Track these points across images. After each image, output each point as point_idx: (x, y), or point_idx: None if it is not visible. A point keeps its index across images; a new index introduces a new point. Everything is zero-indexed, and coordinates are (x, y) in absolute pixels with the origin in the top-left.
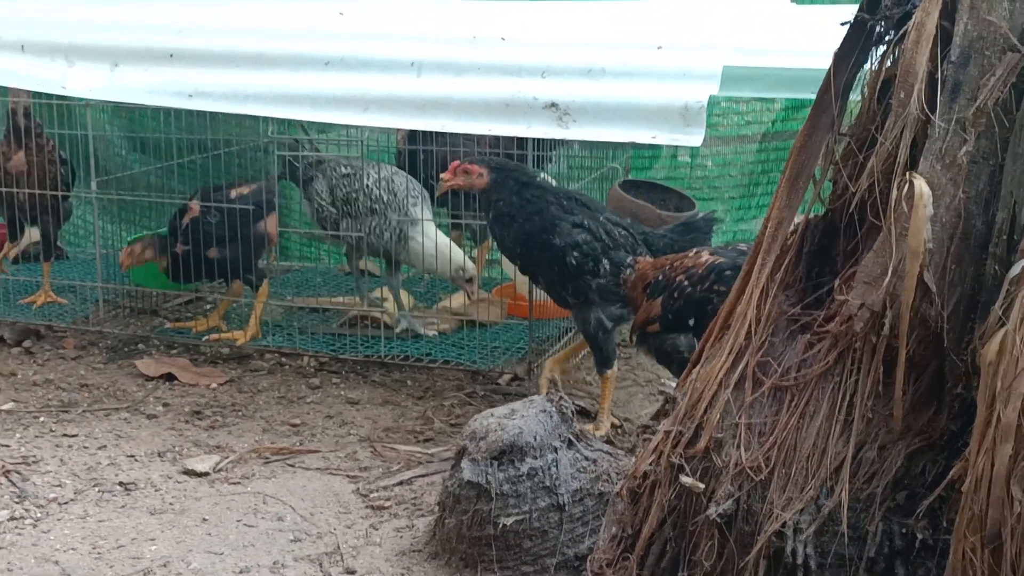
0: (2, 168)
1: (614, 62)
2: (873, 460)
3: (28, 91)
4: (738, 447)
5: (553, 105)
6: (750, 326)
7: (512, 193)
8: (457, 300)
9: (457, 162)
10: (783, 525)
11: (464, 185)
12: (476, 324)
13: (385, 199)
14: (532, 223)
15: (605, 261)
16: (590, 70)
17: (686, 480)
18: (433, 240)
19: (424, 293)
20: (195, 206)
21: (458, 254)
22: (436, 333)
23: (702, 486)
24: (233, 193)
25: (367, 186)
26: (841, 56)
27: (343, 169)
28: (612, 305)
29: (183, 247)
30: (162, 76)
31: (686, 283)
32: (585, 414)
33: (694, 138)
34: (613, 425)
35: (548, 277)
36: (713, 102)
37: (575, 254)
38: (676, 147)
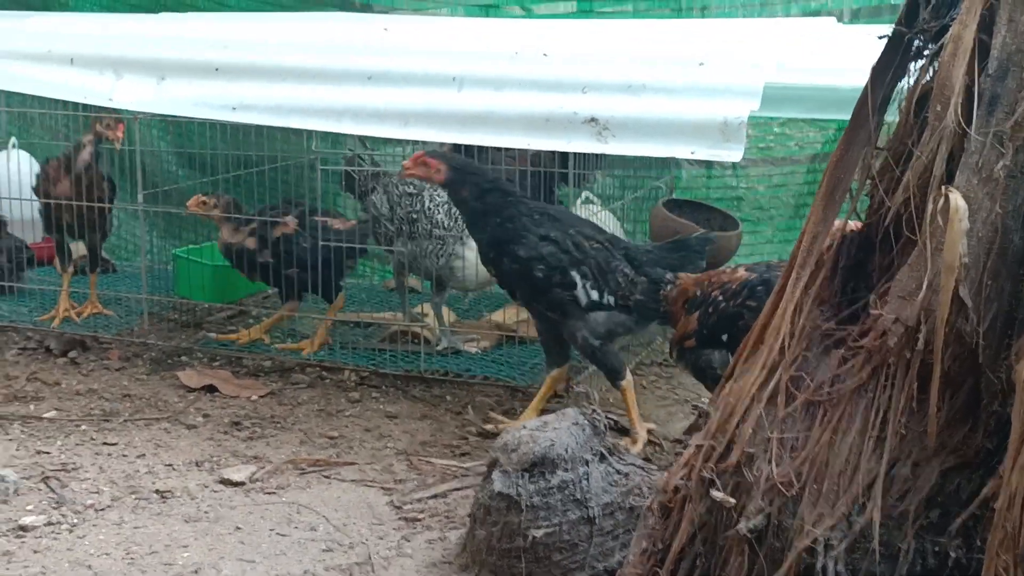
0: (51, 187)
1: (655, 78)
2: (906, 477)
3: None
4: (770, 462)
5: (593, 120)
6: (784, 340)
7: (474, 198)
8: (498, 317)
9: (421, 152)
10: (814, 541)
11: (423, 176)
12: (516, 341)
13: (446, 224)
14: (503, 230)
15: (574, 273)
16: (630, 85)
17: (717, 495)
18: (473, 265)
19: (466, 310)
20: (291, 223)
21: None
22: (477, 350)
23: (733, 501)
24: (336, 225)
25: (428, 208)
26: (879, 70)
27: (407, 188)
28: (595, 315)
29: (267, 258)
30: (207, 89)
31: (720, 298)
32: (623, 431)
33: (733, 154)
34: (650, 433)
35: (521, 291)
36: (763, 124)
37: (540, 267)
38: (728, 167)
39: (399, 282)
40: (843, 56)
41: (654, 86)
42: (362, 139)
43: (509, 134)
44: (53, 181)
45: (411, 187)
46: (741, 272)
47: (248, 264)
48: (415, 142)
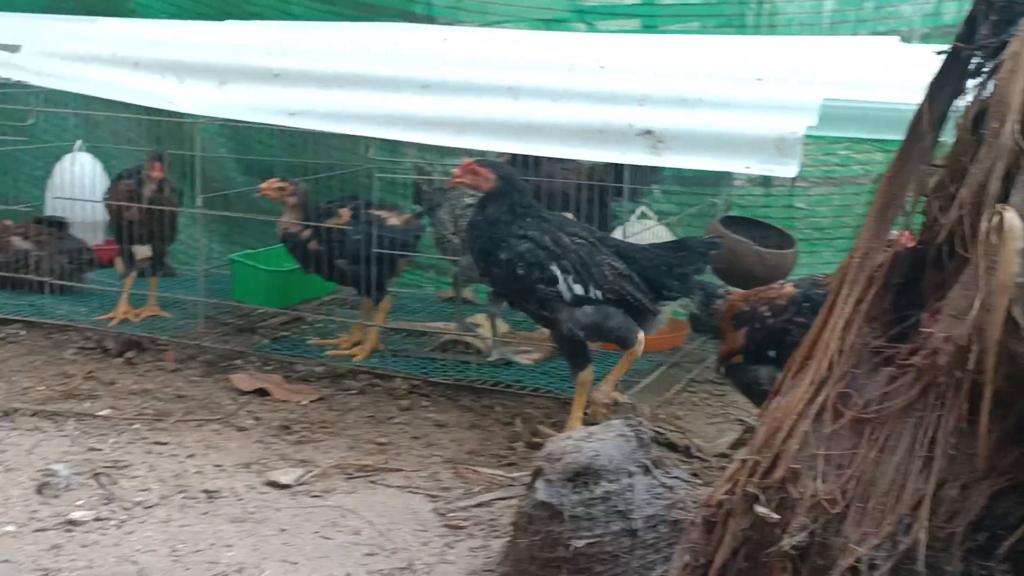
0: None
1: (712, 92)
2: (954, 499)
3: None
4: (815, 478)
5: (648, 132)
6: (832, 357)
7: (504, 210)
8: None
9: (470, 160)
10: (858, 560)
11: (471, 184)
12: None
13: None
14: (492, 241)
15: (554, 268)
16: (686, 99)
17: (761, 510)
18: None
19: (519, 321)
20: (345, 213)
21: None
22: (529, 362)
23: (777, 516)
24: (391, 219)
25: None
26: (936, 86)
27: (468, 199)
28: (578, 310)
29: (317, 247)
30: (267, 94)
31: (768, 314)
32: (672, 447)
33: (788, 169)
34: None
35: (513, 293)
36: (827, 145)
37: (520, 264)
38: (786, 185)
39: (456, 293)
40: (905, 74)
41: (711, 100)
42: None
43: (564, 144)
44: (123, 199)
45: (472, 197)
46: (789, 288)
47: (302, 254)
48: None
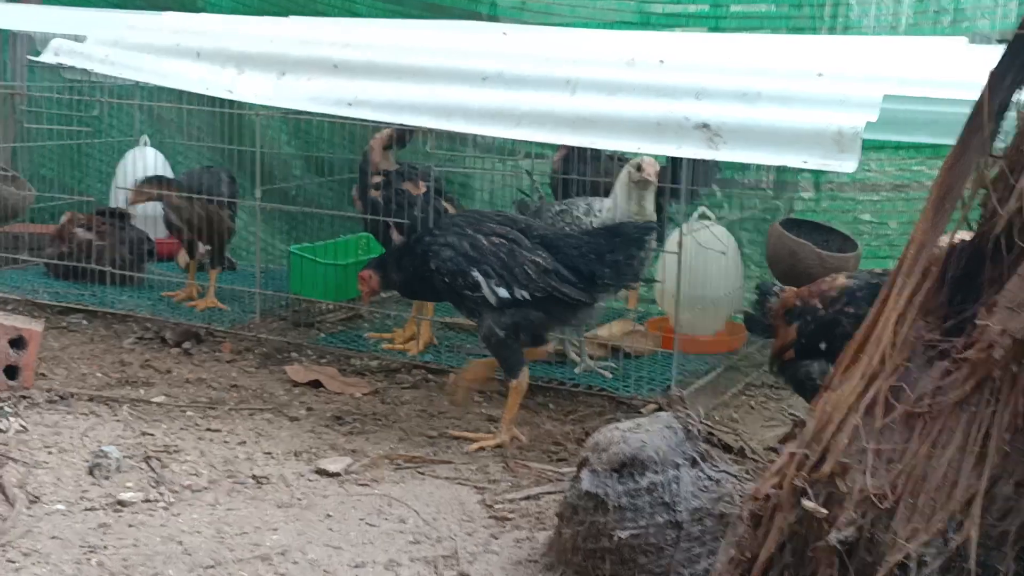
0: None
1: (771, 87)
2: (1008, 496)
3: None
4: (864, 473)
5: (705, 126)
6: (885, 350)
7: (402, 270)
8: (604, 331)
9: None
10: (907, 557)
11: (364, 292)
12: (622, 353)
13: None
14: (414, 262)
15: (475, 273)
16: (745, 93)
17: (808, 504)
18: (608, 204)
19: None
20: (423, 186)
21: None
22: (611, 375)
23: (824, 511)
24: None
25: (577, 217)
26: (998, 75)
27: (556, 207)
28: (502, 314)
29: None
30: (325, 85)
31: (819, 306)
32: (727, 448)
33: (847, 164)
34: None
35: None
36: (902, 159)
37: (442, 275)
38: (851, 191)
39: None
40: (970, 73)
41: (770, 94)
42: (527, 171)
43: (619, 138)
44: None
45: (560, 204)
46: (841, 279)
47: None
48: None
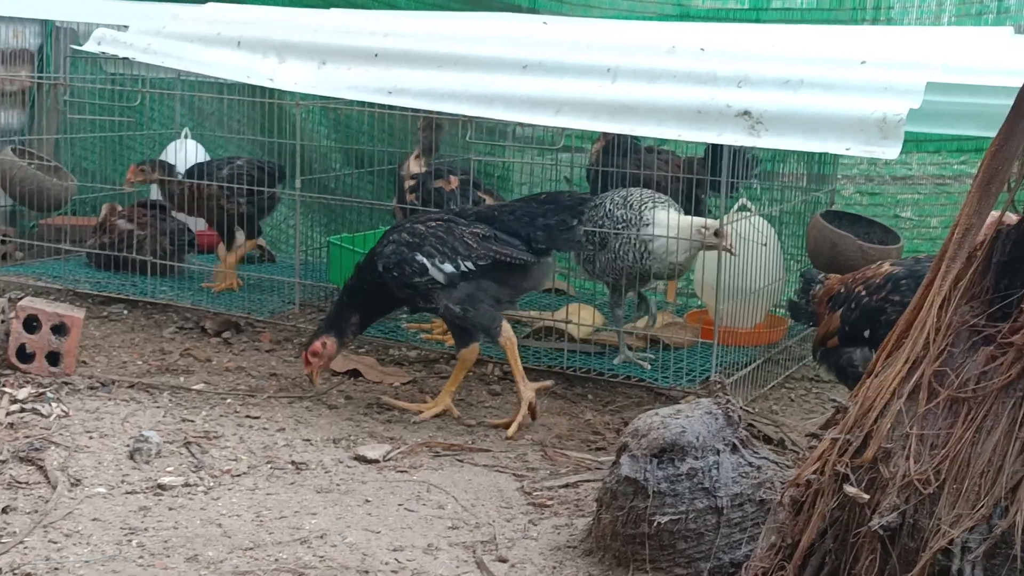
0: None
1: (813, 74)
2: None
3: None
4: (907, 458)
5: (746, 113)
6: (929, 335)
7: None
8: (642, 323)
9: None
10: (950, 543)
11: (314, 368)
12: (660, 344)
13: (626, 217)
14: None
15: (420, 257)
16: (788, 81)
17: (850, 490)
18: (665, 224)
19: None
20: (455, 181)
21: (698, 220)
22: (648, 366)
23: (866, 497)
24: (485, 199)
25: (609, 210)
26: None
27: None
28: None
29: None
30: (365, 74)
31: (863, 293)
32: (767, 440)
33: (890, 151)
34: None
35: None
36: (953, 151)
37: (392, 271)
38: (895, 185)
39: (621, 293)
40: (1015, 61)
41: (812, 82)
42: (567, 178)
43: (660, 125)
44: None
45: (593, 200)
46: (886, 266)
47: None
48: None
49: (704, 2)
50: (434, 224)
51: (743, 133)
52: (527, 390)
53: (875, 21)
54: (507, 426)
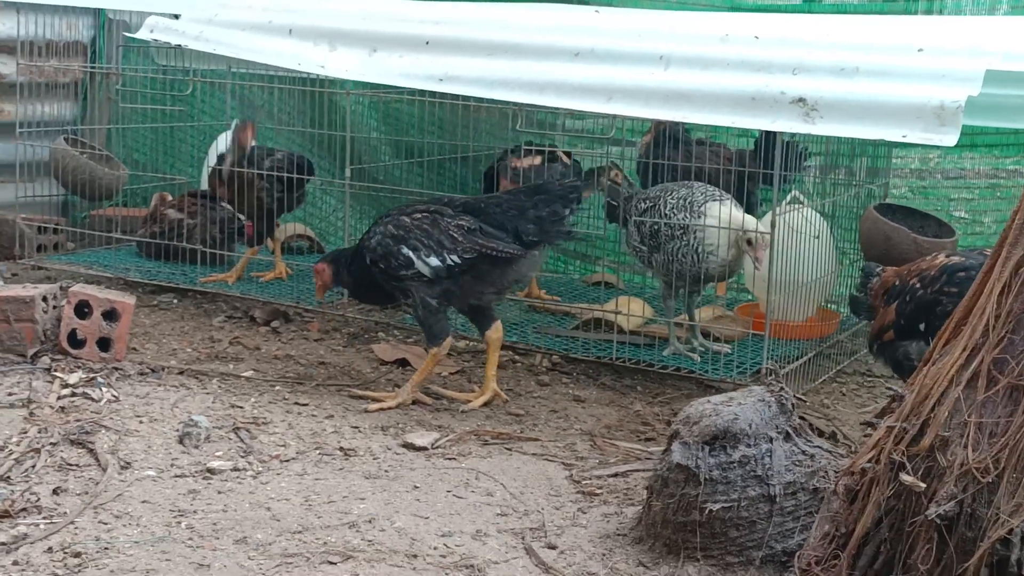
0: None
1: (870, 61)
2: None
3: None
4: (965, 447)
5: (801, 100)
6: (988, 322)
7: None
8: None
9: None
10: (1010, 532)
11: (319, 285)
12: (711, 336)
13: (682, 217)
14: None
15: (405, 250)
16: (843, 68)
17: (907, 478)
18: (716, 216)
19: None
20: (537, 160)
21: (738, 219)
22: (699, 358)
23: (923, 485)
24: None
25: (665, 213)
26: None
27: (643, 204)
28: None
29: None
30: (416, 61)
31: (918, 285)
32: (820, 433)
33: (948, 138)
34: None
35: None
36: (983, 144)
37: (379, 264)
38: (951, 178)
39: (667, 293)
40: None
41: (868, 69)
42: (615, 164)
43: (713, 112)
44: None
45: (646, 201)
46: (941, 258)
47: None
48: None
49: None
50: (420, 217)
51: (798, 120)
52: (410, 393)
53: (928, 13)
54: (374, 399)
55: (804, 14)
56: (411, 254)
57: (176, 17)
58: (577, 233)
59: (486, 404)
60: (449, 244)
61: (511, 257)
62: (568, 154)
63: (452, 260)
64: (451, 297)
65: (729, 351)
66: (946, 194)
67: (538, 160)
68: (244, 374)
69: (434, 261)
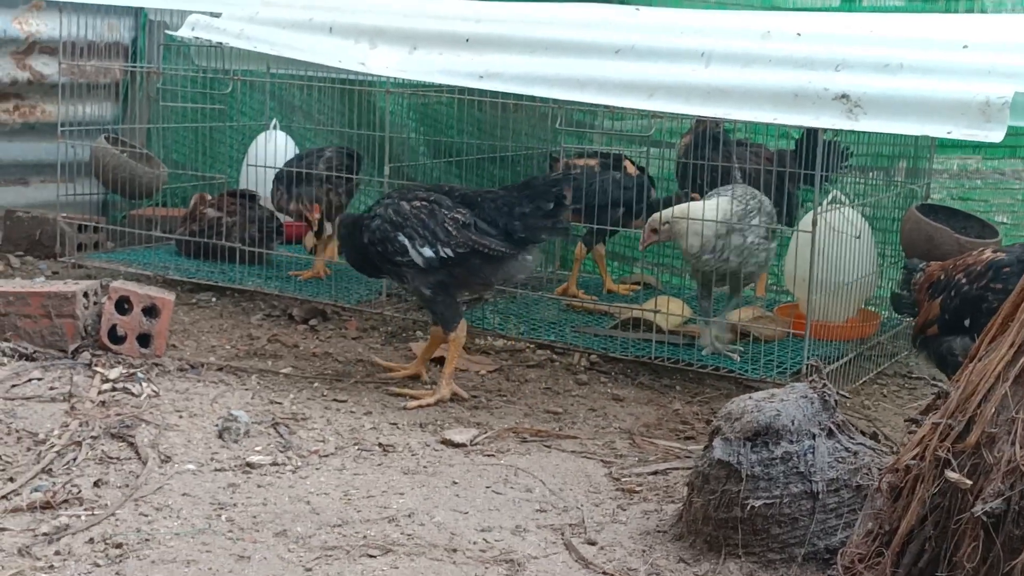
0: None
1: (913, 57)
2: None
3: None
4: (1013, 443)
5: (844, 96)
6: None
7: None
8: (733, 316)
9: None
10: None
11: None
12: (751, 336)
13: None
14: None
15: (401, 237)
16: (887, 64)
17: (952, 475)
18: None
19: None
20: (594, 162)
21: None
22: (738, 358)
23: (969, 483)
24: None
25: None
26: None
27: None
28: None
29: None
30: (457, 58)
31: (964, 281)
32: (861, 434)
33: (993, 134)
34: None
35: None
36: None
37: (375, 246)
38: (990, 181)
39: (701, 292)
40: None
41: (912, 65)
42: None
43: (755, 109)
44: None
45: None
46: (987, 253)
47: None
48: None
49: (794, 3)
50: (419, 205)
51: (841, 117)
52: (447, 388)
53: (969, 11)
54: (413, 397)
55: (848, 12)
56: (407, 242)
57: (217, 15)
58: (567, 229)
59: (440, 402)
60: (444, 236)
61: (502, 256)
62: (634, 163)
63: (446, 253)
64: (447, 287)
65: (739, 359)
66: (987, 204)
67: (593, 162)
68: (283, 371)
69: (428, 252)
